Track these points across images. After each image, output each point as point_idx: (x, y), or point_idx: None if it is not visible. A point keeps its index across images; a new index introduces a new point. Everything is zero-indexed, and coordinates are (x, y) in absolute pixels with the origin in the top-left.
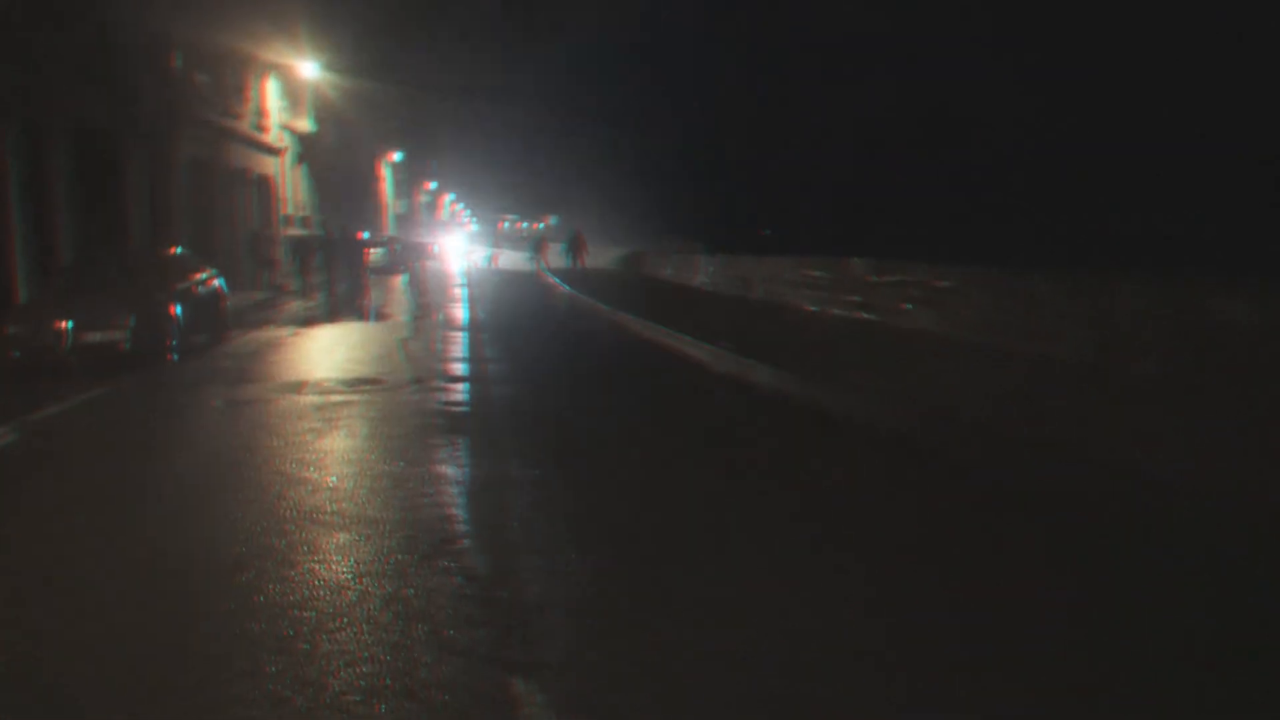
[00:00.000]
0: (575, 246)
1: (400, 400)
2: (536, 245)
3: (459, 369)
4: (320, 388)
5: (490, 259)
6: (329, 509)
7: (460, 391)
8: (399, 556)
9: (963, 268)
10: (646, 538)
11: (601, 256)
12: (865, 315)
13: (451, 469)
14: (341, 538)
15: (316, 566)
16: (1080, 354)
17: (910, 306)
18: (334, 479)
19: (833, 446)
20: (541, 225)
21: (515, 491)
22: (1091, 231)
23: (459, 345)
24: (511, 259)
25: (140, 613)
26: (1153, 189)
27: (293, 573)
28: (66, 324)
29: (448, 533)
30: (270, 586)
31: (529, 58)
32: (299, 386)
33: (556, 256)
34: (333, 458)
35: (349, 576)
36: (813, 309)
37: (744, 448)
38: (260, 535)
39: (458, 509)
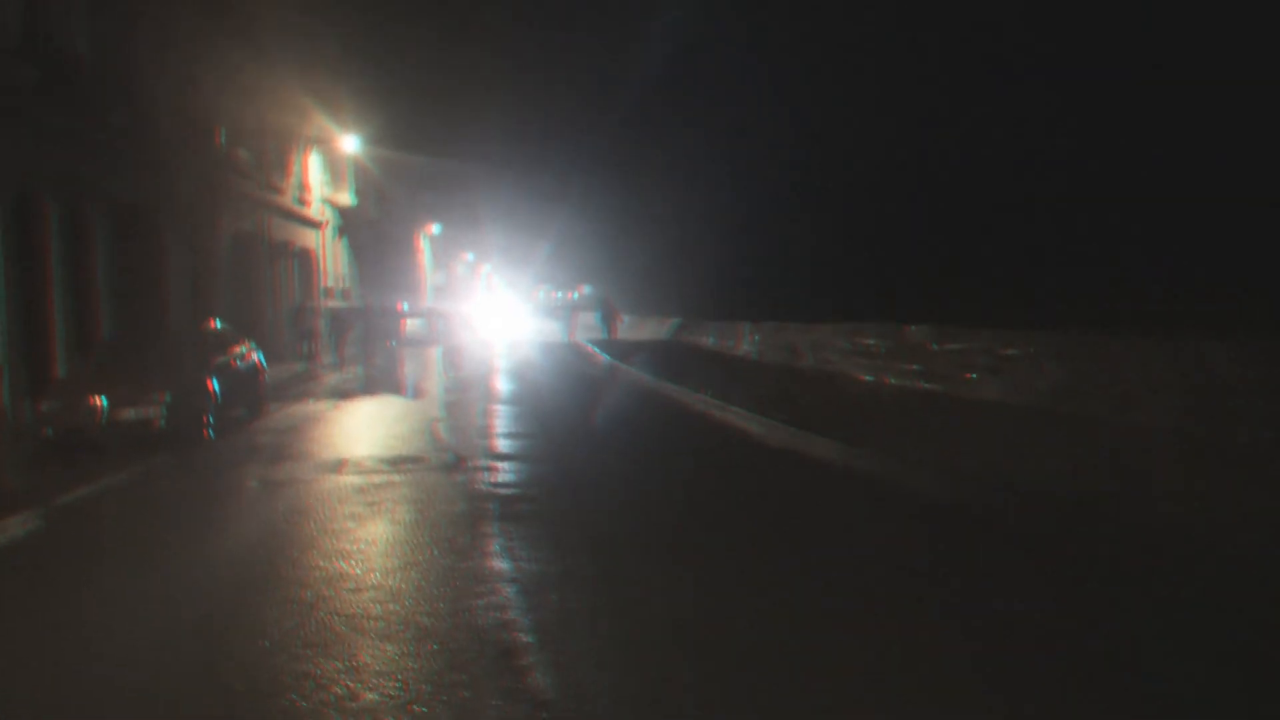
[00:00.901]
0: (609, 316)
1: (445, 482)
2: (568, 315)
3: (503, 446)
4: (361, 467)
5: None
6: (374, 612)
7: (507, 471)
8: (452, 676)
9: (1030, 332)
10: (729, 645)
11: (638, 327)
12: (925, 385)
13: (505, 564)
14: (389, 650)
15: (358, 687)
16: (1171, 422)
17: (975, 375)
18: (378, 574)
19: (913, 526)
20: (575, 295)
21: (577, 590)
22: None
23: (500, 419)
24: (544, 328)
25: None
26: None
27: (330, 695)
28: (101, 401)
29: (508, 644)
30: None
31: (570, 125)
32: (339, 465)
33: (591, 326)
34: (376, 549)
35: (397, 703)
36: (867, 378)
37: (821, 532)
38: (297, 647)
39: (515, 611)
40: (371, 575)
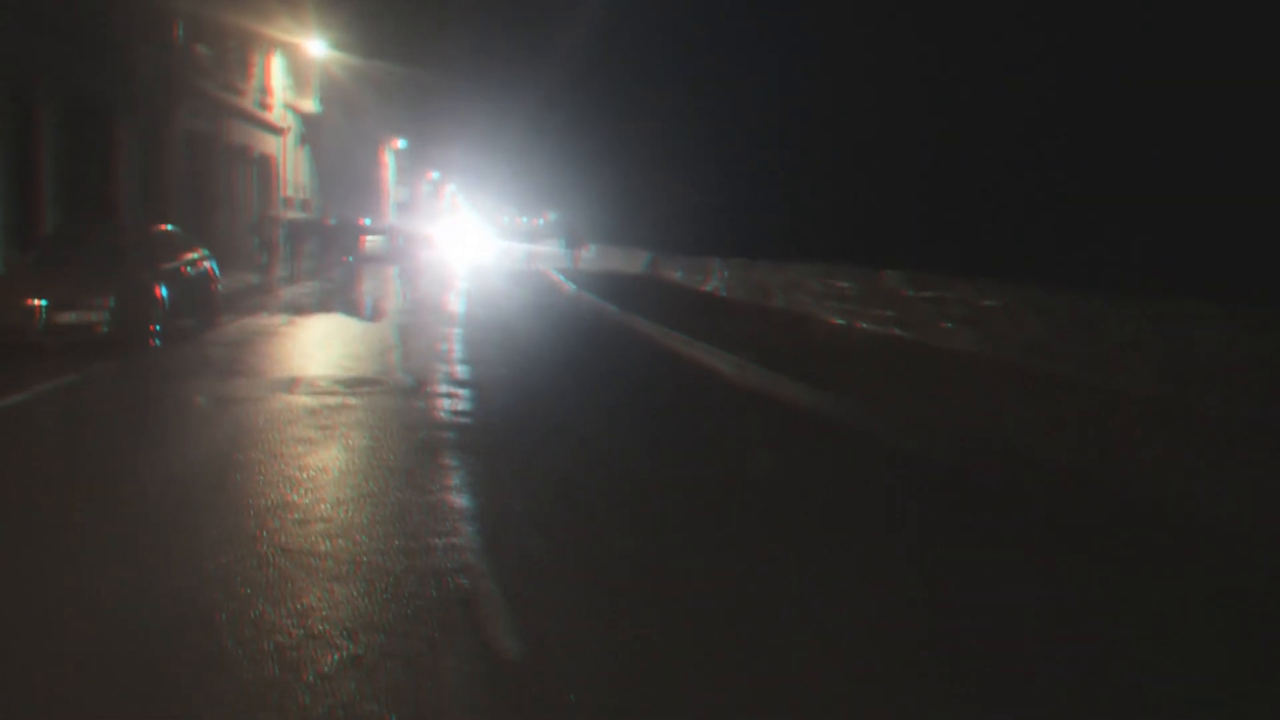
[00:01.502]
0: (573, 243)
1: (402, 407)
2: (532, 241)
3: (462, 372)
4: (314, 387)
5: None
6: (322, 548)
7: (467, 400)
8: (407, 626)
9: (1011, 285)
10: (694, 593)
11: (607, 257)
12: (899, 332)
13: (465, 500)
14: (338, 593)
15: (300, 635)
16: (1148, 388)
17: (950, 325)
18: (328, 506)
19: (879, 475)
20: (541, 221)
21: (540, 532)
22: (1164, 232)
23: (462, 345)
24: (508, 252)
25: (76, 690)
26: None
27: (269, 644)
28: (40, 302)
29: (468, 590)
30: (241, 648)
31: (541, 47)
32: (291, 384)
33: (555, 254)
34: (327, 478)
35: (344, 657)
36: (839, 322)
37: (788, 477)
38: (235, 584)
39: (475, 555)
40: (321, 506)
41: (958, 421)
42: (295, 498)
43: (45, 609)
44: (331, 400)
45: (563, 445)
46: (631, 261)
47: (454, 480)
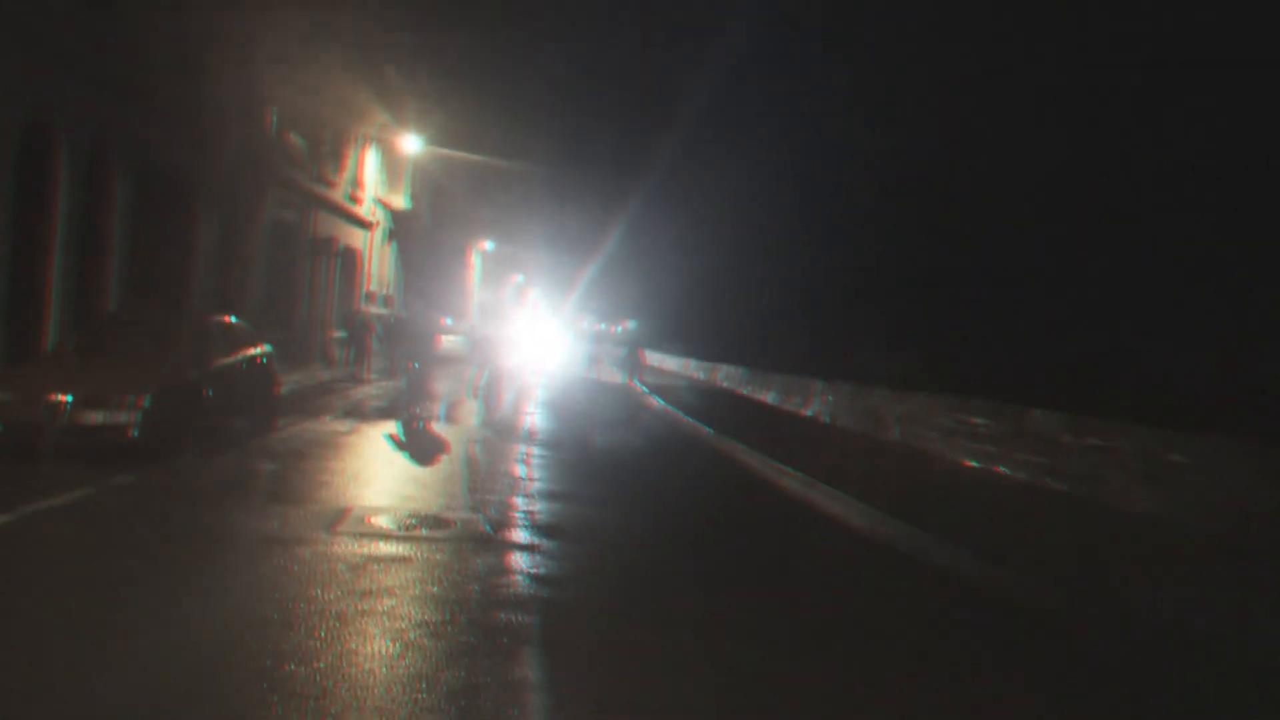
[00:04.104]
0: (633, 355)
1: (468, 569)
2: (627, 353)
3: (544, 513)
4: (366, 526)
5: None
6: None
7: (549, 556)
8: None
9: (1205, 437)
10: None
11: (686, 371)
12: (1053, 484)
13: None
14: None
15: None
16: None
17: (1122, 481)
18: None
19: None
20: (619, 329)
21: None
22: None
23: (544, 471)
24: (589, 358)
25: None
26: None
27: None
28: (65, 398)
29: None
30: None
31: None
32: (338, 518)
33: (643, 364)
34: (349, 686)
35: None
36: (972, 464)
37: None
38: None
39: None
40: None
41: (1170, 611)
42: None
43: None
44: (383, 549)
45: (676, 633)
46: (719, 377)
47: (531, 699)
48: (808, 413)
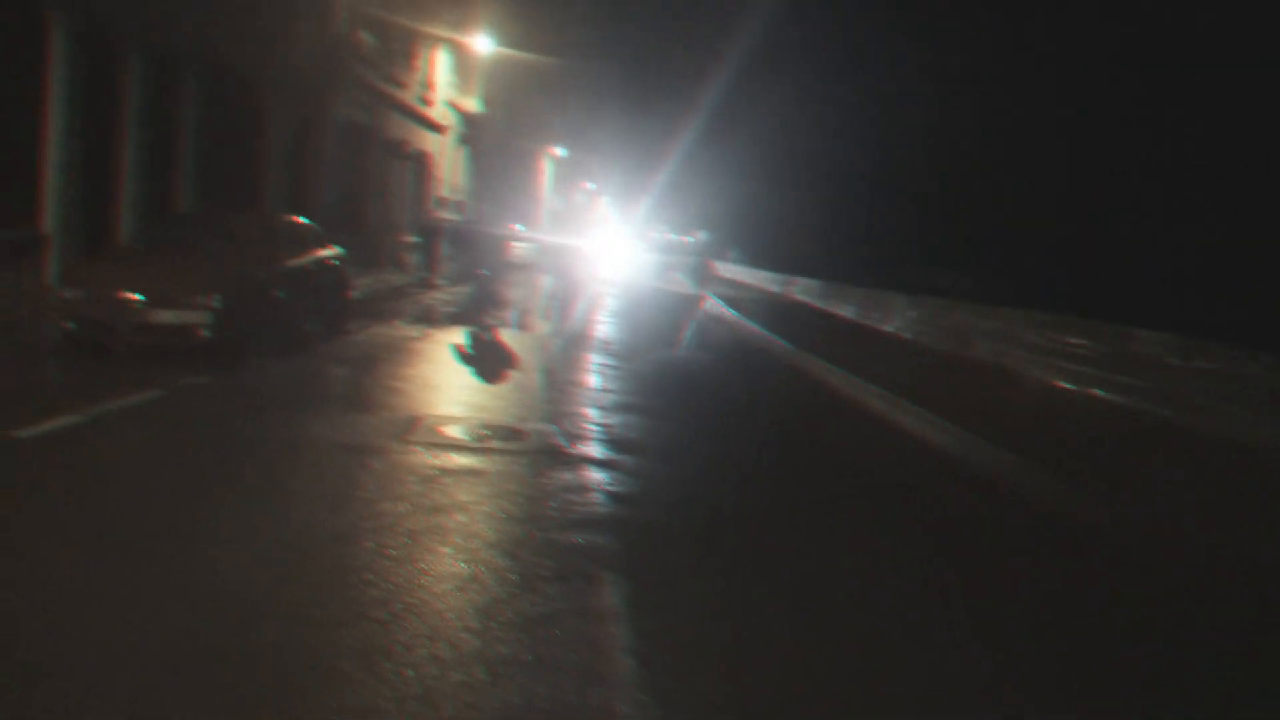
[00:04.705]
0: (704, 268)
1: (544, 484)
2: (702, 262)
3: (621, 426)
4: (437, 436)
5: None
6: None
7: (628, 473)
8: None
9: None
10: None
11: (763, 283)
12: (1154, 409)
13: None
14: None
15: None
16: None
17: (1235, 409)
18: (412, 672)
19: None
20: (690, 239)
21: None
22: None
23: (617, 382)
24: (661, 267)
25: None
26: None
27: None
28: (136, 296)
29: None
30: None
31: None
32: (409, 427)
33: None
34: (418, 612)
35: None
36: (1066, 385)
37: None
38: None
39: None
40: (406, 672)
41: None
42: (368, 662)
43: None
44: (456, 461)
45: (761, 565)
46: (780, 285)
47: (618, 652)
48: (888, 329)
